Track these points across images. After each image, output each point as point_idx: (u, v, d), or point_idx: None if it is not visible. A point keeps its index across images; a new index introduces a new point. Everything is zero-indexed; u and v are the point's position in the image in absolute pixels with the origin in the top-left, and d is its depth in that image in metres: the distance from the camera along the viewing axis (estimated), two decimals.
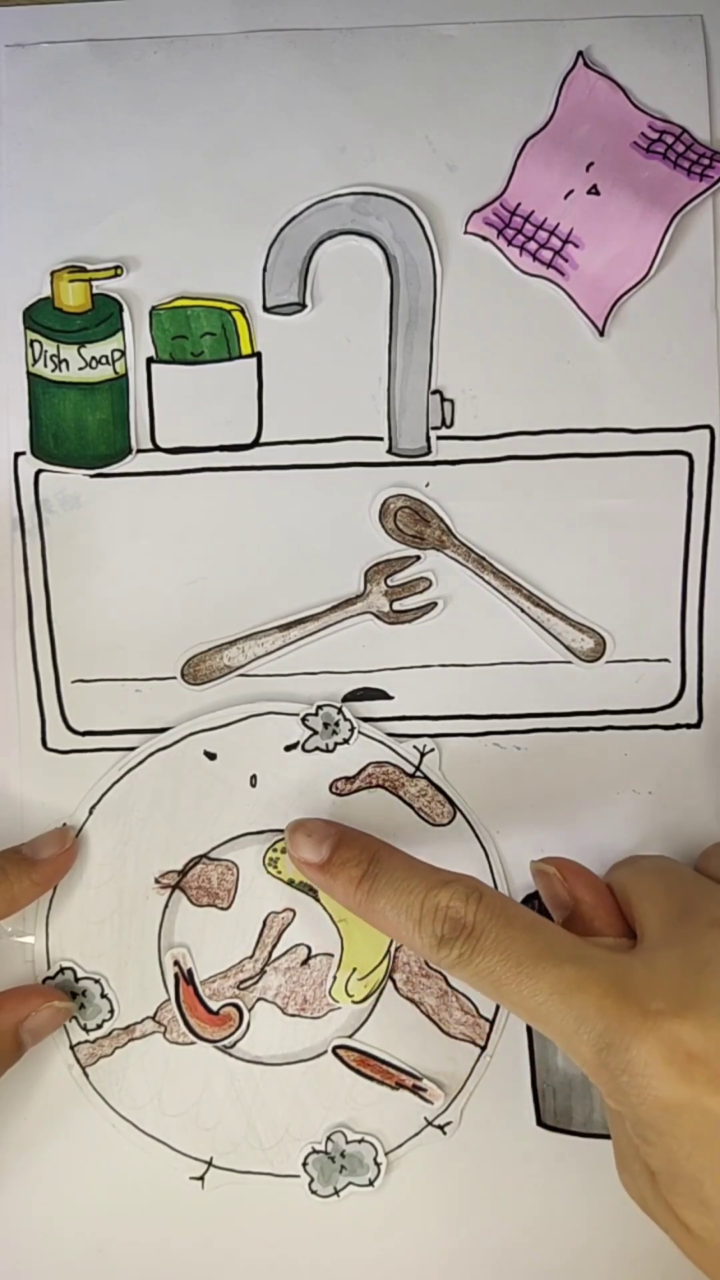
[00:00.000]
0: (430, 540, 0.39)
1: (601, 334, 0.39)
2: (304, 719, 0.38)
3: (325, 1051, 0.38)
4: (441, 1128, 0.38)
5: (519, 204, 0.39)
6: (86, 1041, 0.38)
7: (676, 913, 0.32)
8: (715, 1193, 0.28)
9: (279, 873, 0.38)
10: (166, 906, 0.38)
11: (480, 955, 0.30)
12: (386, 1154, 0.37)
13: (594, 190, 0.38)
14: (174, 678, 0.39)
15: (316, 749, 0.38)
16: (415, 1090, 0.38)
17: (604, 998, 0.29)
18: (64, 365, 0.39)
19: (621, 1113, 0.29)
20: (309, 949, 0.38)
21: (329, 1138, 0.38)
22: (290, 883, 0.38)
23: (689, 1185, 0.28)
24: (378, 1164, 0.37)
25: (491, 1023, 0.38)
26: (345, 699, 0.39)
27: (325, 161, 0.39)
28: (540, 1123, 0.38)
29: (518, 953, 0.30)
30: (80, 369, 0.39)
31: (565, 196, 0.38)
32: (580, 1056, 0.29)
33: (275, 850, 0.38)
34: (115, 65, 0.39)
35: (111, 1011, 0.38)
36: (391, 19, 0.39)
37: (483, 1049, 0.38)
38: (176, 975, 0.38)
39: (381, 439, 0.39)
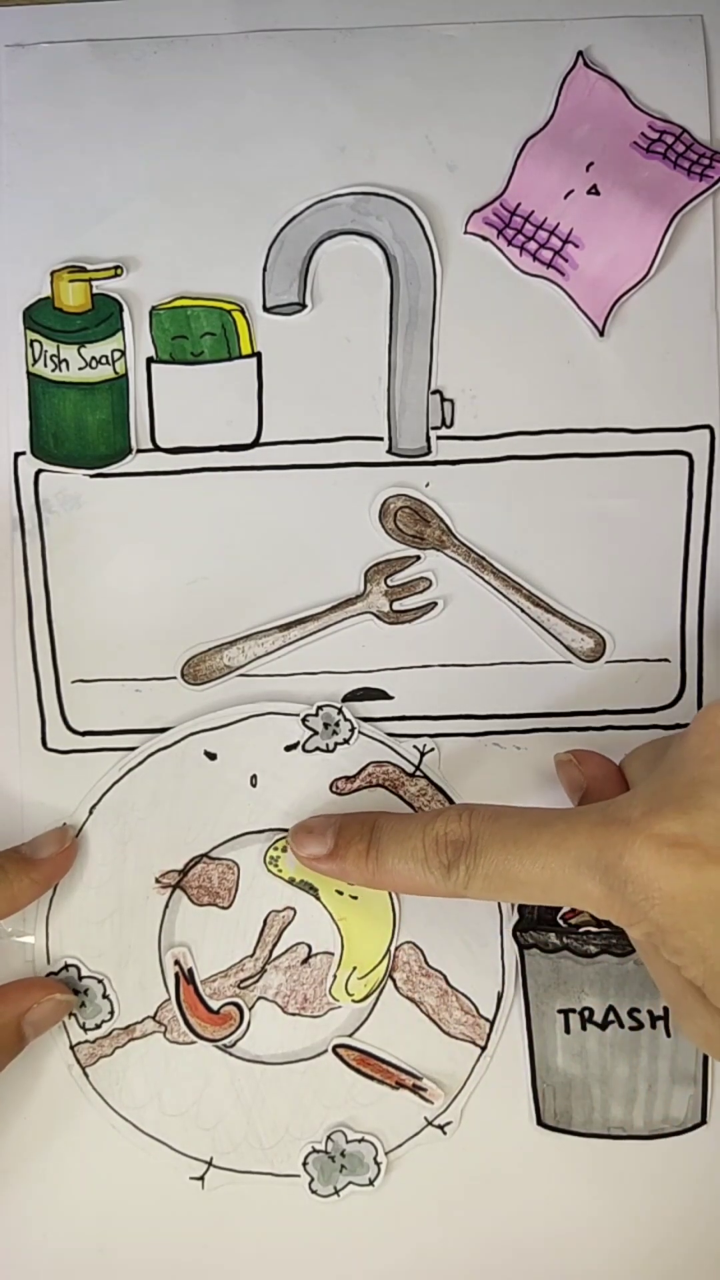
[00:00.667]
0: (430, 540, 0.39)
1: (601, 334, 0.39)
2: (304, 719, 0.38)
3: (325, 1051, 0.38)
4: (441, 1128, 0.38)
5: (519, 204, 0.39)
6: (86, 1041, 0.38)
7: (656, 753, 0.34)
8: None
9: (279, 871, 0.38)
10: (167, 906, 0.38)
11: (483, 858, 0.32)
12: (386, 1154, 0.38)
13: (594, 190, 0.38)
14: (174, 678, 0.39)
15: (316, 749, 0.38)
16: (415, 1090, 0.38)
17: (592, 830, 0.30)
18: (64, 365, 0.39)
19: (649, 936, 0.30)
20: (309, 948, 0.38)
21: (329, 1137, 0.38)
22: (291, 881, 0.38)
23: None
24: (378, 1164, 0.37)
25: (491, 1023, 0.38)
26: (345, 699, 0.39)
27: (325, 161, 0.39)
28: (540, 1123, 0.38)
29: (513, 835, 0.32)
30: (80, 369, 0.39)
31: (565, 196, 0.38)
32: (593, 900, 0.30)
33: (276, 849, 0.38)
34: (115, 65, 0.39)
35: (112, 1011, 0.38)
36: (391, 19, 0.39)
37: (483, 1049, 0.38)
38: (177, 974, 0.38)
39: (381, 439, 0.39)
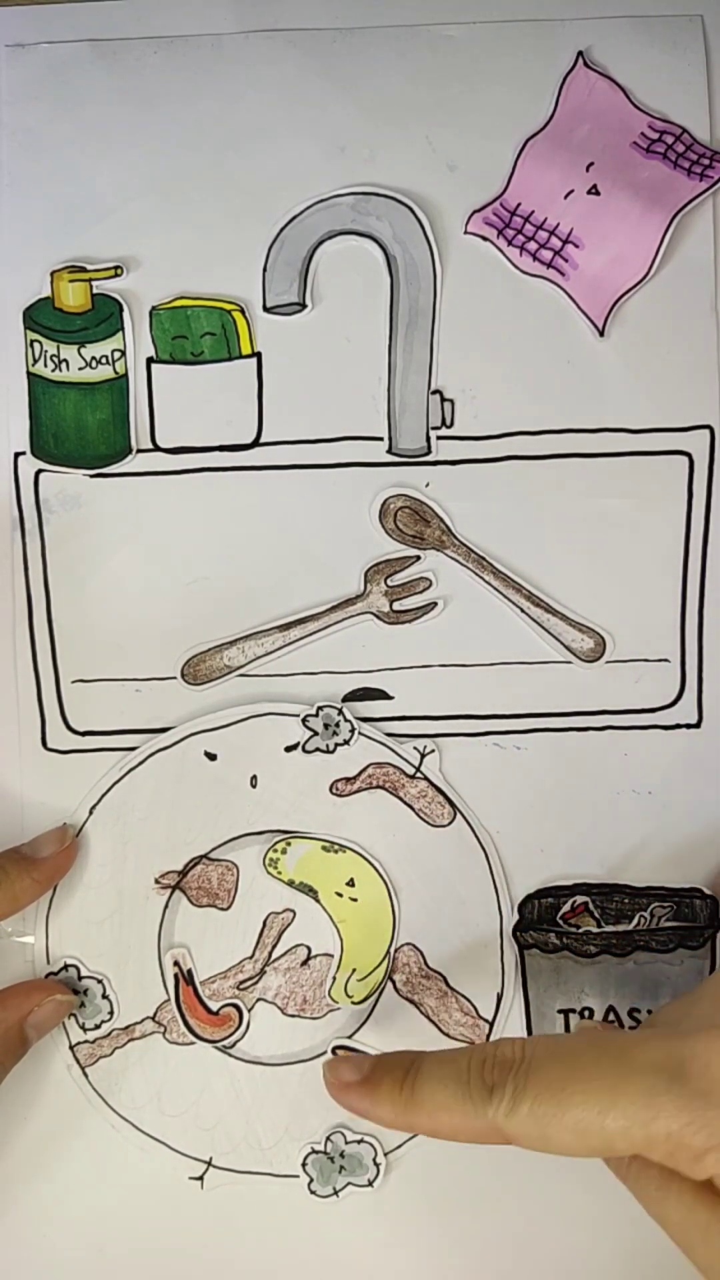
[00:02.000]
0: (430, 540, 0.39)
1: (601, 334, 0.39)
2: (304, 719, 0.38)
3: (325, 1052, 0.38)
4: None
5: (519, 204, 0.39)
6: (86, 1042, 0.38)
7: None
8: None
9: (279, 873, 0.38)
10: (166, 907, 0.38)
11: (535, 1075, 0.28)
12: (386, 1154, 0.37)
13: (594, 190, 0.38)
14: (174, 678, 0.39)
15: (317, 749, 0.38)
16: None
17: (661, 1051, 0.27)
18: (64, 365, 0.39)
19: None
20: (309, 949, 0.38)
21: (328, 1138, 0.38)
22: (290, 883, 0.38)
23: None
24: (377, 1164, 0.37)
25: (491, 1023, 0.38)
26: (345, 699, 0.39)
27: (325, 161, 0.39)
28: None
29: (571, 1054, 0.28)
30: (80, 369, 0.39)
31: (565, 196, 0.38)
32: (660, 1133, 0.26)
33: (275, 851, 0.38)
34: (115, 65, 0.39)
35: (111, 1012, 0.38)
36: (391, 19, 0.39)
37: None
38: (176, 975, 0.38)
39: (381, 439, 0.39)
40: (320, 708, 0.38)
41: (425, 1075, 0.30)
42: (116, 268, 0.39)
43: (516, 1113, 0.27)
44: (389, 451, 0.39)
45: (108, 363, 0.39)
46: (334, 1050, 0.38)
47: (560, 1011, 0.37)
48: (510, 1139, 0.28)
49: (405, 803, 0.38)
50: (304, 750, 0.38)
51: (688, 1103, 0.26)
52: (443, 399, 0.39)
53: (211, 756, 0.39)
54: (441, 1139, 0.30)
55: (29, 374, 0.39)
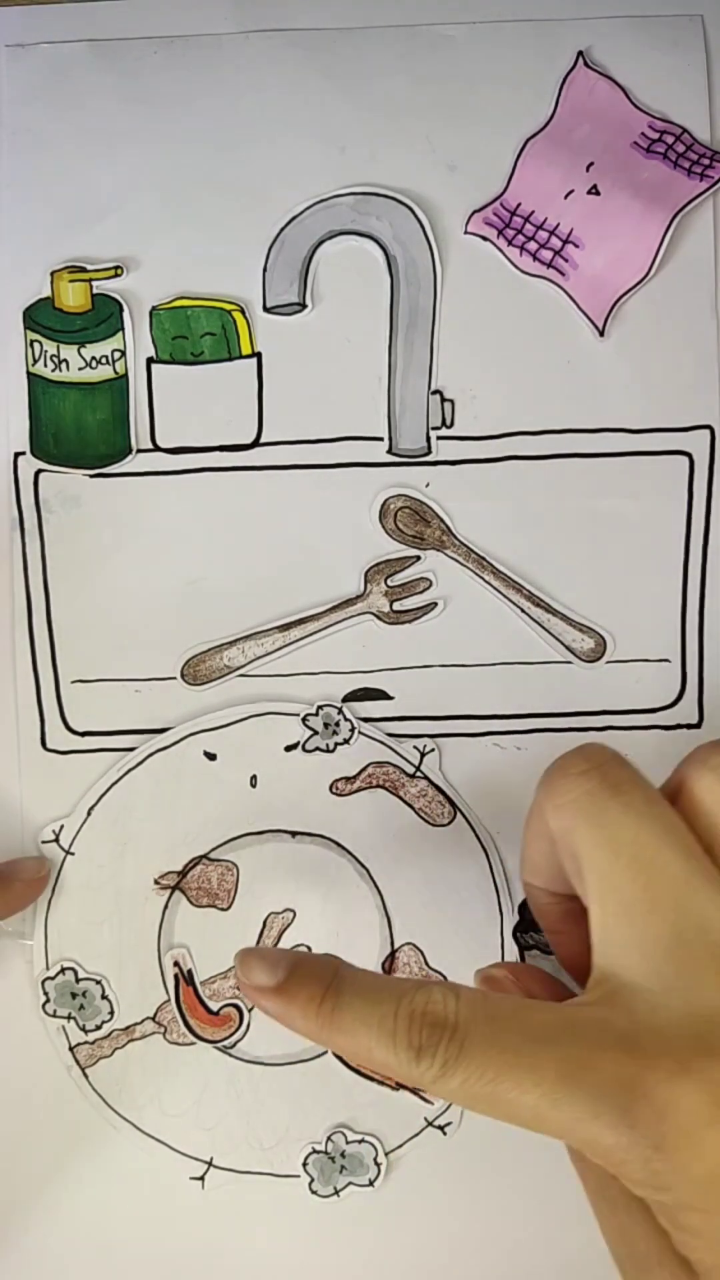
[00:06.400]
0: (430, 540, 0.39)
1: (601, 334, 0.39)
2: (304, 719, 0.38)
3: (325, 1051, 0.38)
4: (441, 1128, 0.38)
5: (519, 204, 0.39)
6: (86, 1043, 0.38)
7: (666, 941, 0.26)
8: None
9: None
10: (166, 907, 0.38)
11: (467, 1059, 0.25)
12: (386, 1154, 0.37)
13: (594, 190, 0.38)
14: (174, 678, 0.39)
15: (316, 749, 0.38)
16: (415, 1090, 0.38)
17: (620, 1066, 0.24)
18: (64, 365, 0.39)
19: (656, 1203, 0.25)
20: (309, 949, 0.38)
21: (329, 1138, 0.38)
22: None
23: None
24: (378, 1164, 0.37)
25: None
26: (345, 699, 0.39)
27: (325, 161, 0.39)
28: None
29: (511, 1044, 0.25)
30: (80, 369, 0.39)
31: (565, 196, 0.38)
32: (600, 1147, 0.24)
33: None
34: (115, 65, 0.39)
35: (111, 1012, 0.38)
36: (391, 19, 0.39)
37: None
38: (176, 976, 0.38)
39: (381, 439, 0.39)
40: (320, 707, 0.38)
41: (345, 1006, 0.27)
42: (116, 268, 0.39)
43: (446, 1083, 0.25)
44: (389, 451, 0.39)
45: (108, 363, 0.39)
46: (334, 1051, 0.38)
47: None
48: (438, 1098, 0.26)
49: (405, 802, 0.38)
50: (304, 750, 0.38)
51: (633, 1140, 0.24)
52: (443, 399, 0.39)
53: (211, 756, 0.39)
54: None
55: (29, 374, 0.39)
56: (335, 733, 0.38)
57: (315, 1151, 0.38)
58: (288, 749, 0.39)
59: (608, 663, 0.39)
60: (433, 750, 0.38)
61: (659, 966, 0.26)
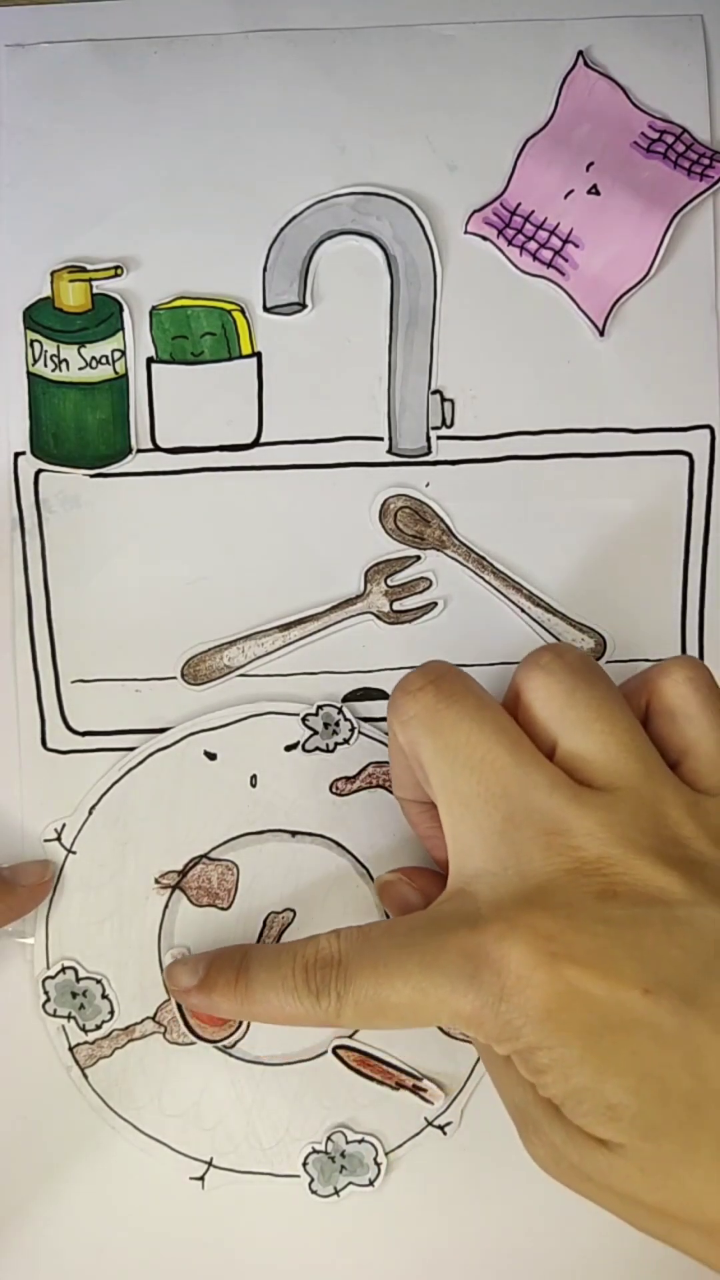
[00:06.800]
0: (430, 540, 0.39)
1: (601, 334, 0.39)
2: (304, 719, 0.38)
3: (325, 1051, 0.38)
4: (441, 1128, 0.38)
5: (519, 204, 0.39)
6: (86, 1043, 0.38)
7: (500, 826, 0.29)
8: (617, 1088, 0.26)
9: None
10: (166, 906, 0.38)
11: (353, 984, 0.29)
12: (386, 1154, 0.37)
13: (594, 190, 0.38)
14: (174, 678, 0.39)
15: (316, 749, 0.38)
16: (415, 1090, 0.38)
17: (465, 942, 0.28)
18: (64, 365, 0.39)
19: (515, 1053, 0.28)
20: None
21: (329, 1138, 0.38)
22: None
23: (591, 1096, 0.26)
24: (378, 1164, 0.37)
25: None
26: (345, 699, 0.39)
27: (325, 161, 0.39)
28: None
29: (382, 958, 0.29)
30: (80, 369, 0.39)
31: (565, 196, 0.38)
32: (464, 1017, 0.28)
33: None
34: (115, 65, 0.39)
35: (111, 1012, 0.38)
36: (391, 19, 0.39)
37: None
38: None
39: (381, 439, 0.39)
40: (320, 707, 0.38)
41: (254, 979, 0.32)
42: (116, 268, 0.39)
43: (344, 1011, 0.30)
44: (389, 451, 0.39)
45: (108, 363, 0.39)
46: (334, 1051, 0.38)
47: None
48: (343, 1027, 0.31)
49: None
50: (304, 749, 0.38)
51: (483, 1000, 0.27)
52: (443, 399, 0.39)
53: (211, 756, 0.39)
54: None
55: (29, 374, 0.39)
56: (335, 733, 0.38)
57: (315, 1151, 0.38)
58: (288, 749, 0.39)
59: (608, 663, 0.39)
60: None
61: (496, 849, 0.29)
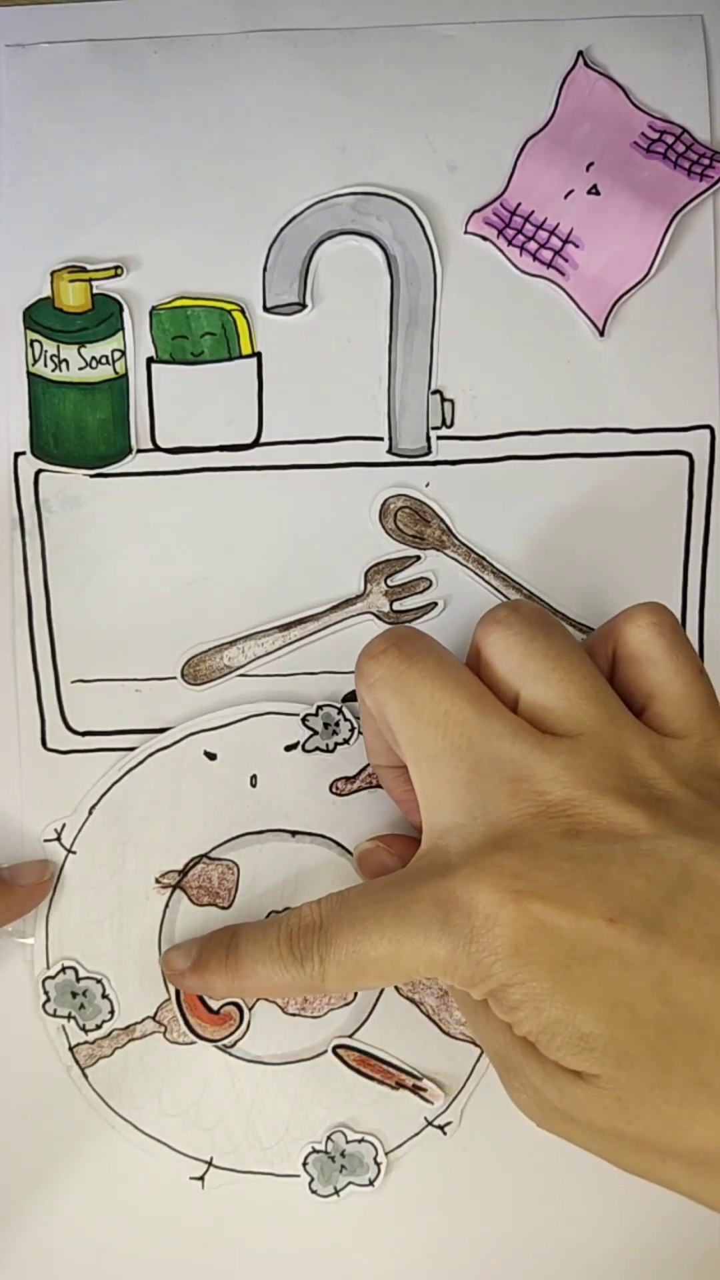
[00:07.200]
0: (430, 540, 0.39)
1: (601, 334, 0.39)
2: (304, 719, 0.38)
3: (325, 1051, 0.38)
4: (441, 1128, 0.38)
5: (519, 204, 0.39)
6: (86, 1043, 0.38)
7: (467, 777, 0.30)
8: (588, 1017, 0.26)
9: None
10: (167, 906, 0.38)
11: (334, 944, 0.30)
12: (386, 1154, 0.38)
13: (594, 190, 0.38)
14: (174, 678, 0.39)
15: (317, 749, 0.38)
16: (415, 1090, 0.38)
17: (435, 890, 0.29)
18: (64, 365, 0.39)
19: (490, 994, 0.28)
20: None
21: (329, 1137, 0.38)
22: None
23: (564, 1028, 0.27)
24: (378, 1164, 0.37)
25: None
26: (346, 699, 0.39)
27: (325, 161, 0.39)
28: None
29: (359, 915, 0.30)
30: (80, 369, 0.39)
31: (565, 196, 0.38)
32: (439, 964, 0.28)
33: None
34: (115, 65, 0.39)
35: (112, 1012, 0.38)
36: (391, 19, 0.39)
37: (483, 1049, 0.38)
38: None
39: (381, 439, 0.39)
40: (320, 707, 0.38)
41: (243, 953, 0.33)
42: (116, 268, 0.39)
43: (328, 973, 0.31)
44: (389, 451, 0.39)
45: (108, 363, 0.39)
46: (334, 1050, 0.38)
47: None
48: (329, 991, 0.32)
49: None
50: (304, 750, 0.38)
51: (455, 943, 0.28)
52: (443, 399, 0.39)
53: (211, 756, 0.39)
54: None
55: (29, 374, 0.39)
56: (335, 733, 0.38)
57: (315, 1151, 0.38)
58: (288, 749, 0.39)
59: None
60: None
61: (464, 800, 0.30)
